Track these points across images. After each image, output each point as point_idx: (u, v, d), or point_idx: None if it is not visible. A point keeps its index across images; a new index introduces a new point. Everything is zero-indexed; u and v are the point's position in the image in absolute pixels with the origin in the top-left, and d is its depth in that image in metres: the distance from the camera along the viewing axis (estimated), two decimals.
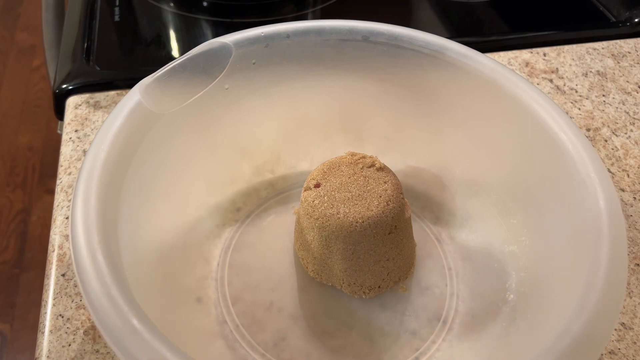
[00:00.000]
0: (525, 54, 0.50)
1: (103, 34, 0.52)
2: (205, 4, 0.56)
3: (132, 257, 0.27)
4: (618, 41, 0.52)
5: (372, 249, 0.30)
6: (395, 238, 0.31)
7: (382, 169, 0.32)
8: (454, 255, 0.35)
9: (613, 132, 0.44)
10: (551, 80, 0.48)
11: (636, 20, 0.54)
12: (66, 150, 0.41)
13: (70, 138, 0.42)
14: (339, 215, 0.30)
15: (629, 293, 0.35)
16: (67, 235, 0.36)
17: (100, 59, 0.49)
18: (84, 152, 0.41)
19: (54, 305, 0.33)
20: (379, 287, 0.32)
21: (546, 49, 0.51)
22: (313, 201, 0.30)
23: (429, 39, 0.33)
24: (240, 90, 0.34)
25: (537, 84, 0.47)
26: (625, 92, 0.47)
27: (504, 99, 0.32)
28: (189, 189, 0.34)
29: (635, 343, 0.32)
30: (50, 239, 0.36)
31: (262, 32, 0.33)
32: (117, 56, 0.51)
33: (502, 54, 0.50)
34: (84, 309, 0.33)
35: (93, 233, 0.24)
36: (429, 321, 0.32)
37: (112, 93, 0.46)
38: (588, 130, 0.44)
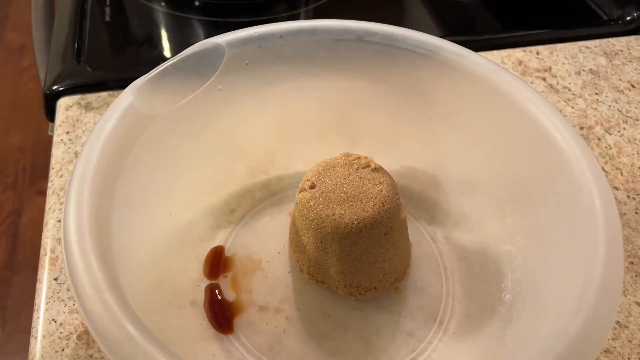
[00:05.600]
0: (518, 53, 0.50)
1: (94, 34, 0.51)
2: (197, 3, 0.56)
3: (125, 261, 0.27)
4: (610, 39, 0.52)
5: (367, 250, 0.30)
6: (391, 239, 0.31)
7: (377, 169, 0.32)
8: (449, 255, 0.35)
9: (606, 131, 0.44)
10: (544, 79, 0.48)
11: (628, 18, 0.54)
12: (57, 153, 0.41)
13: (62, 140, 0.42)
14: (334, 217, 0.29)
15: (624, 291, 0.35)
16: (60, 239, 0.35)
17: (91, 60, 0.48)
18: (76, 154, 0.41)
19: (46, 309, 0.32)
20: (375, 288, 0.32)
21: (539, 48, 0.51)
22: (308, 202, 0.30)
23: (423, 39, 0.33)
24: (233, 91, 0.34)
25: (531, 83, 0.47)
26: (618, 91, 0.47)
27: (499, 98, 0.32)
28: (183, 190, 0.34)
29: (630, 341, 0.33)
30: (42, 242, 0.36)
31: (255, 32, 0.33)
32: (108, 57, 0.50)
33: (495, 52, 0.50)
34: (77, 313, 0.32)
35: (86, 237, 0.24)
36: (425, 322, 0.32)
37: (104, 94, 0.45)
38: (581, 128, 0.44)
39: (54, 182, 0.39)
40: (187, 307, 0.32)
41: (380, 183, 0.31)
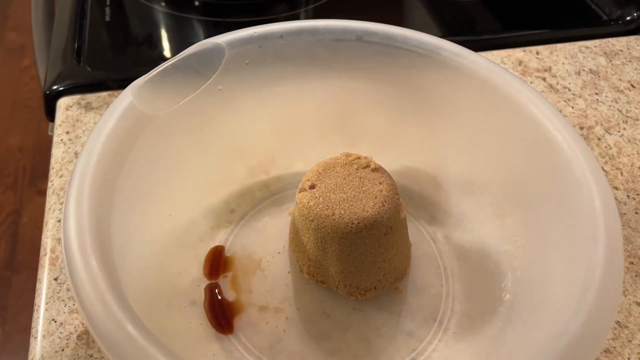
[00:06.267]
0: (518, 53, 0.50)
1: (94, 34, 0.51)
2: (197, 3, 0.56)
3: (125, 261, 0.27)
4: (610, 39, 0.52)
5: (367, 250, 0.30)
6: (390, 239, 0.31)
7: (377, 169, 0.32)
8: (449, 255, 0.35)
9: (606, 131, 0.44)
10: (544, 79, 0.48)
11: (628, 18, 0.54)
12: (57, 153, 0.41)
13: (62, 140, 0.42)
14: (334, 217, 0.29)
15: (624, 291, 0.35)
16: (59, 239, 0.35)
17: (91, 60, 0.48)
18: (76, 154, 0.41)
19: (46, 309, 0.32)
20: (375, 288, 0.32)
21: (539, 48, 0.51)
22: (308, 202, 0.30)
23: (423, 39, 0.33)
24: (233, 91, 0.34)
25: (531, 83, 0.47)
26: (618, 91, 0.47)
27: (499, 98, 0.31)
28: (183, 190, 0.34)
29: (630, 341, 0.33)
30: (42, 242, 0.36)
31: (255, 32, 0.33)
32: (108, 57, 0.50)
33: (495, 52, 0.50)
34: (77, 313, 0.32)
35: (86, 237, 0.24)
36: (425, 322, 0.32)
37: (104, 94, 0.45)
38: (581, 128, 0.44)
39: (54, 182, 0.39)
40: (187, 307, 0.32)
41: (380, 183, 0.31)
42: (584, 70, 0.49)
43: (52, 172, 0.39)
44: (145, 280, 0.30)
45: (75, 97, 0.45)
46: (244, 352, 0.31)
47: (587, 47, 0.51)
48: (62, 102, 0.44)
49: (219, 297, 0.32)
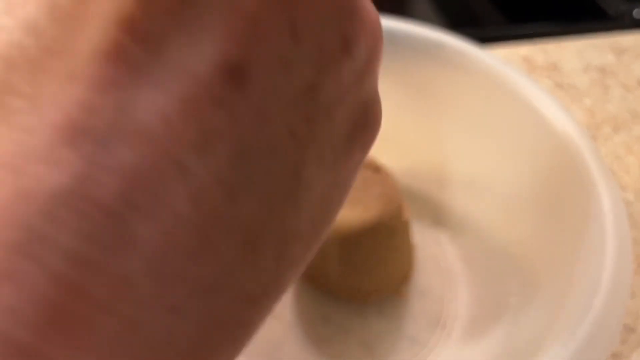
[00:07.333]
0: (523, 49, 0.50)
1: None
2: None
3: None
4: (618, 36, 0.52)
5: (369, 252, 0.30)
6: (393, 241, 0.30)
7: (379, 169, 0.31)
8: (453, 258, 0.34)
9: (614, 129, 0.43)
10: (550, 76, 0.47)
11: (635, 13, 0.53)
12: None
13: None
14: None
15: (632, 294, 0.34)
16: None
17: None
18: None
19: None
20: (377, 291, 0.31)
21: (545, 44, 0.50)
22: None
23: (427, 34, 0.33)
24: None
25: (536, 80, 0.47)
26: (627, 88, 0.47)
27: (504, 96, 0.31)
28: None
29: (639, 345, 0.32)
30: None
31: None
32: None
33: (500, 49, 0.50)
34: None
35: None
36: (428, 326, 0.31)
37: None
38: (588, 127, 0.44)
39: None
40: None
41: (382, 184, 0.30)
42: (591, 67, 0.48)
43: None
44: None
45: None
46: (242, 357, 0.30)
47: (594, 44, 0.51)
48: None
49: None
